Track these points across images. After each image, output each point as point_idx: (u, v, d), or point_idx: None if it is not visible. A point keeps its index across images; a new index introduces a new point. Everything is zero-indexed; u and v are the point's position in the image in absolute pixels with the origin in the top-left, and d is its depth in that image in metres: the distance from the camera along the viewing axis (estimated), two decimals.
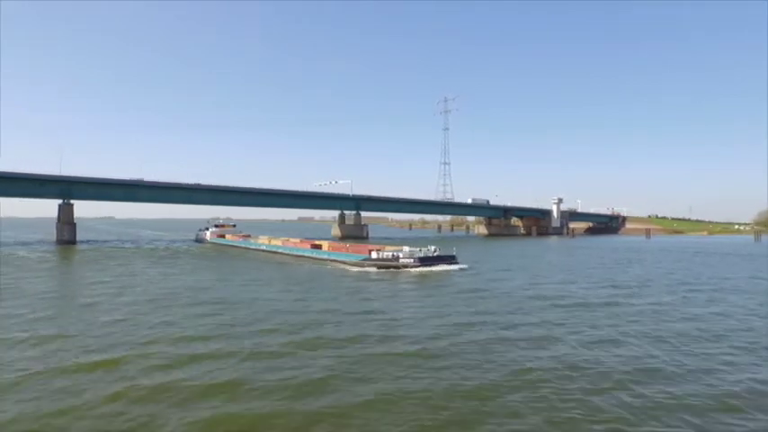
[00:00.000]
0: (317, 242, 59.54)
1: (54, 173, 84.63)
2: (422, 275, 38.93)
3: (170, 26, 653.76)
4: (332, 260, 50.66)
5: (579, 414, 11.02)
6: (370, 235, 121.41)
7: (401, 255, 44.30)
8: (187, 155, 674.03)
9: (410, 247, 46.93)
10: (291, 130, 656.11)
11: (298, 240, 65.91)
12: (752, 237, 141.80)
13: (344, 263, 47.78)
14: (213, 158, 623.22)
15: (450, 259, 45.84)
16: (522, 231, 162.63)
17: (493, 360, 15.21)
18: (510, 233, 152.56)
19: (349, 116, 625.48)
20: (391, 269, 42.62)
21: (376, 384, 12.85)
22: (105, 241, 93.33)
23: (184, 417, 10.62)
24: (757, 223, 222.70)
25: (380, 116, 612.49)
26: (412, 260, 43.22)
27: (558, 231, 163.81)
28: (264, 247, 68.18)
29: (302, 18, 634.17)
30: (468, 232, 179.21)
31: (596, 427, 10.39)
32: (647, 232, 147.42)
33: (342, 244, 56.38)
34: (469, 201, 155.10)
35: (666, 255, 69.24)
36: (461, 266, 44.31)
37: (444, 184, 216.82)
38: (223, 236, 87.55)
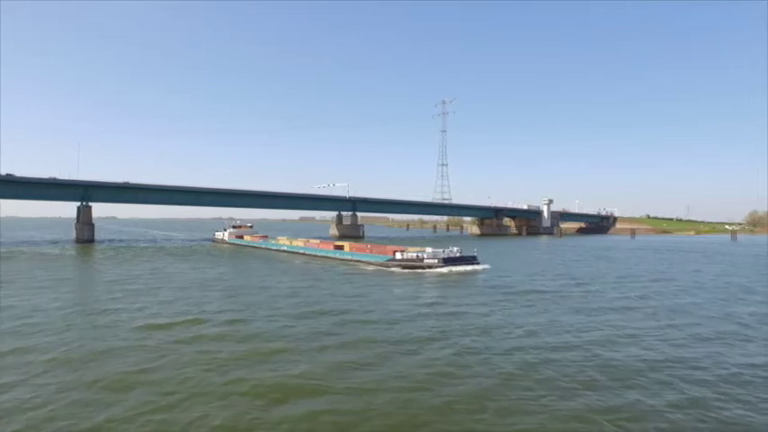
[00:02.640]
0: (338, 243, 60.44)
1: (73, 177, 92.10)
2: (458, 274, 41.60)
3: (169, 27, 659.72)
4: (355, 260, 51.17)
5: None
6: (366, 234, 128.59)
7: (425, 255, 44.74)
8: (187, 158, 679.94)
9: (433, 248, 47.28)
10: (291, 131, 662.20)
11: (318, 241, 66.46)
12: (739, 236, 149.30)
13: (368, 263, 48.69)
14: (214, 160, 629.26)
15: (472, 260, 46.68)
16: (514, 231, 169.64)
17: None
18: (501, 233, 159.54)
19: (349, 117, 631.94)
20: (416, 269, 43.38)
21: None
22: (120, 240, 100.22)
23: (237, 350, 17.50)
24: (749, 223, 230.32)
25: (380, 117, 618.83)
26: (436, 261, 43.83)
27: (549, 231, 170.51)
28: (286, 248, 68.72)
29: (301, 19, 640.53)
30: (462, 232, 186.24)
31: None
32: (632, 232, 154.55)
33: (363, 245, 57.55)
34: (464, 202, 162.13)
35: (636, 252, 75.92)
36: (484, 267, 45.48)
37: (442, 185, 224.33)
38: (241, 236, 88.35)
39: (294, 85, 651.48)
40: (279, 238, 77.83)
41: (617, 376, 14.49)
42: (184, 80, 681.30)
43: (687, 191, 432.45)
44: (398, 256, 46.34)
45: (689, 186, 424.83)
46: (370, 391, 13.01)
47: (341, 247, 57.02)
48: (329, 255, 57.25)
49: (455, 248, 47.75)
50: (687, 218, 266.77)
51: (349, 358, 16.01)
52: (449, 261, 44.29)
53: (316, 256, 59.00)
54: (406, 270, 43.44)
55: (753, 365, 15.82)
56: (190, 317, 22.47)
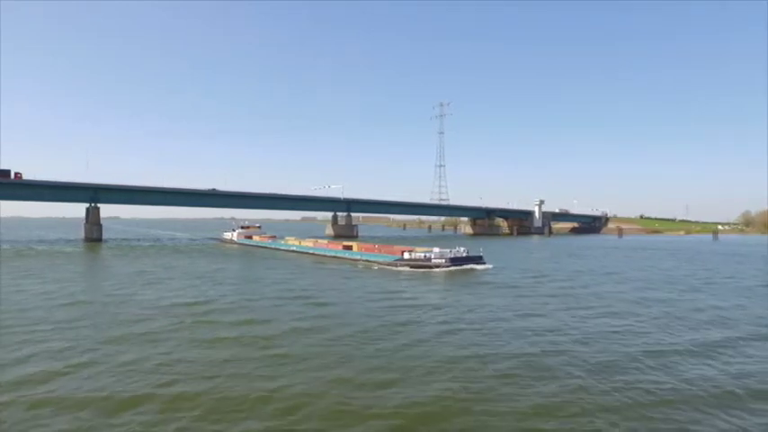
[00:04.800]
0: (347, 243, 62.02)
1: (82, 180, 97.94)
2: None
3: (169, 27, 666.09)
4: (364, 260, 52.44)
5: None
6: (360, 234, 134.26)
7: (432, 255, 46.15)
8: (187, 157, 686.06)
9: (440, 248, 48.32)
10: (291, 131, 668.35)
11: (326, 241, 68.38)
12: (725, 235, 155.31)
13: (377, 263, 49.93)
14: (213, 160, 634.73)
15: (478, 259, 47.84)
16: (506, 231, 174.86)
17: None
18: (493, 233, 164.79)
19: (349, 118, 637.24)
20: (424, 269, 44.66)
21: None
22: (124, 239, 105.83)
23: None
24: (742, 223, 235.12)
25: (380, 118, 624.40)
26: (443, 260, 45.06)
27: (540, 231, 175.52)
28: (295, 248, 70.05)
29: (300, 20, 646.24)
30: (456, 232, 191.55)
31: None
32: (619, 232, 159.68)
33: (371, 245, 58.66)
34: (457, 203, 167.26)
35: (612, 251, 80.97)
36: (488, 266, 46.52)
37: (440, 186, 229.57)
38: (250, 237, 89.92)
39: (294, 86, 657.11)
40: (288, 238, 79.61)
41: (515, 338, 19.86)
42: (184, 80, 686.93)
43: (689, 191, 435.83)
44: (406, 255, 47.78)
45: (690, 187, 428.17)
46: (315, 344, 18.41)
47: (349, 247, 58.95)
48: (338, 255, 58.90)
49: (462, 248, 49.05)
50: (686, 218, 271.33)
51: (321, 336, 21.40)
52: (456, 261, 45.67)
53: (325, 255, 60.53)
54: (415, 269, 44.75)
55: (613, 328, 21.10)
56: (201, 300, 27.87)
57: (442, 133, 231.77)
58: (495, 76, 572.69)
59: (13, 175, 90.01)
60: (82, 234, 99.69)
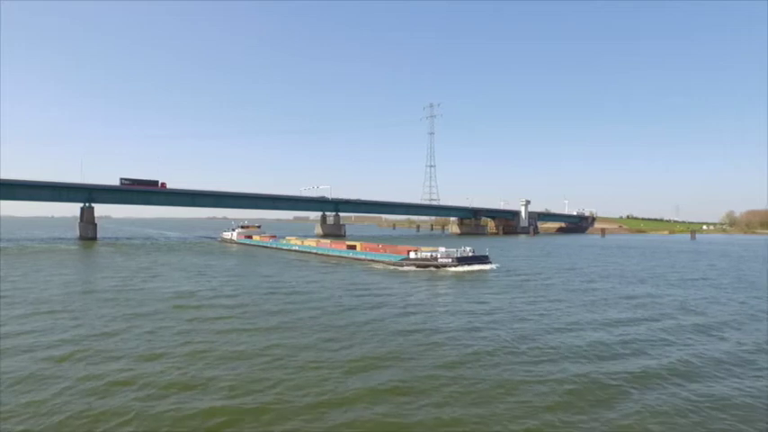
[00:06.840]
0: (350, 243, 61.27)
1: (77, 181, 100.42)
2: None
3: (167, 27, 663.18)
4: (369, 260, 51.88)
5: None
6: (347, 233, 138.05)
7: (439, 255, 46.10)
8: (182, 159, 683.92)
9: (446, 247, 48.30)
10: (288, 131, 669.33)
11: (329, 241, 68.37)
12: (706, 234, 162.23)
13: (382, 263, 49.52)
14: (210, 161, 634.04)
15: (484, 259, 47.93)
16: (493, 230, 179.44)
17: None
18: (479, 232, 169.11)
19: (347, 118, 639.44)
20: (430, 268, 44.48)
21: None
22: (118, 238, 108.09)
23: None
24: (727, 224, 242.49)
25: (378, 118, 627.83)
26: (450, 260, 45.03)
27: (526, 231, 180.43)
28: (297, 248, 69.25)
29: (293, 20, 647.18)
30: (444, 231, 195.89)
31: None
32: (602, 232, 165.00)
33: (375, 244, 58.10)
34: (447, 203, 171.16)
35: (590, 249, 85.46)
36: (493, 266, 46.55)
37: (431, 186, 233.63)
38: (250, 236, 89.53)
39: (293, 86, 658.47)
40: (289, 238, 79.01)
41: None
42: (184, 80, 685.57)
43: (681, 191, 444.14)
44: (412, 255, 47.47)
45: (683, 187, 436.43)
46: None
47: (353, 247, 58.64)
48: (342, 254, 58.38)
49: (468, 248, 49.18)
50: (676, 218, 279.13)
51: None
52: (462, 260, 45.75)
53: (328, 255, 59.98)
54: (421, 269, 44.52)
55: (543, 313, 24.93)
56: (201, 292, 31.42)
57: (432, 134, 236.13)
58: (491, 76, 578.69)
59: (159, 185, 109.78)
60: (76, 233, 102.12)
